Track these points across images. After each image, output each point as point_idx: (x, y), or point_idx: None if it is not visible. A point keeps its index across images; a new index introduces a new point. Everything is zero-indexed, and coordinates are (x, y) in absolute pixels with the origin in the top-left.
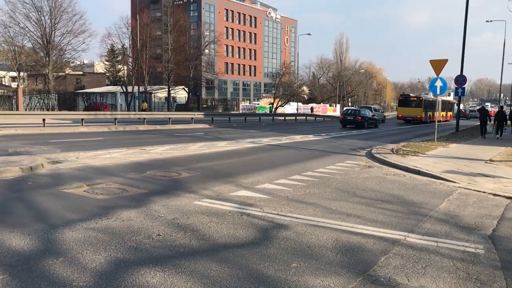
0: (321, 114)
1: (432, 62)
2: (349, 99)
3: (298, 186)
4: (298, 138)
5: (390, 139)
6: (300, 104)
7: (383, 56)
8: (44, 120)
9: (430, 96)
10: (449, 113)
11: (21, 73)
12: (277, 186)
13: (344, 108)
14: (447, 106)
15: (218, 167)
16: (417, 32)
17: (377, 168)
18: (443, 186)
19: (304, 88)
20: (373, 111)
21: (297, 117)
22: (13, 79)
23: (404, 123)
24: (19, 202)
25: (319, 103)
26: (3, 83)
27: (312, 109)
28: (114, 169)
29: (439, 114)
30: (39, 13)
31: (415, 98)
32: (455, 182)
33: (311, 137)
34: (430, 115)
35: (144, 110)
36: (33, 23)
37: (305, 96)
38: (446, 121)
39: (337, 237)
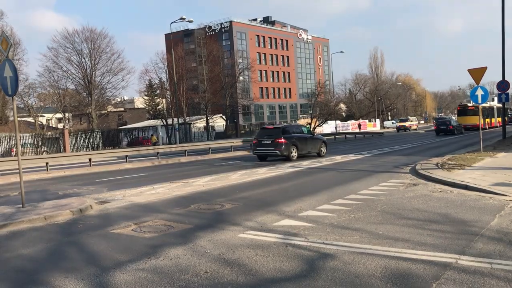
0: (360, 130)
1: (471, 71)
2: (389, 113)
3: (342, 211)
4: (338, 158)
5: (434, 153)
6: (338, 122)
7: (420, 66)
8: (90, 159)
9: (487, 104)
10: (506, 119)
11: (66, 114)
12: (320, 212)
13: (437, 119)
14: (500, 112)
15: (260, 196)
16: (453, 39)
17: (423, 186)
18: (493, 200)
19: (341, 105)
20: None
21: (336, 136)
22: (59, 120)
23: (443, 135)
24: (71, 246)
25: (358, 119)
26: (50, 125)
27: (359, 125)
28: (159, 205)
29: (490, 121)
30: (80, 56)
31: (473, 107)
32: (506, 196)
33: (351, 157)
34: (488, 121)
35: (155, 144)
36: (75, 66)
37: (343, 114)
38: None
39: (385, 265)
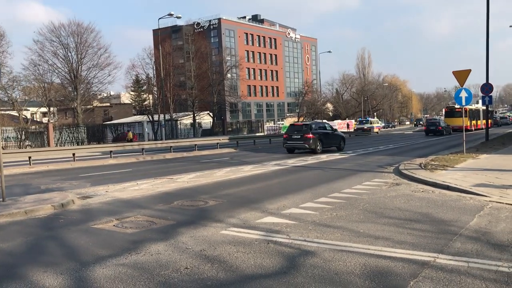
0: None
1: (455, 73)
2: (375, 113)
3: (325, 209)
4: (324, 157)
5: (419, 153)
6: (325, 121)
7: (406, 68)
8: (74, 154)
9: (473, 106)
10: (490, 121)
11: (51, 108)
12: (303, 210)
13: (427, 120)
14: (485, 114)
15: (244, 193)
16: (440, 42)
17: (405, 185)
18: (473, 201)
19: (328, 105)
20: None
21: None
22: (44, 114)
23: (432, 135)
24: (51, 241)
25: (344, 119)
26: (35, 119)
27: (348, 125)
28: (142, 201)
29: (476, 123)
30: (66, 49)
31: (460, 109)
32: (486, 196)
33: (337, 156)
34: (474, 123)
35: (131, 140)
36: (61, 59)
37: (330, 113)
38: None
39: (365, 262)
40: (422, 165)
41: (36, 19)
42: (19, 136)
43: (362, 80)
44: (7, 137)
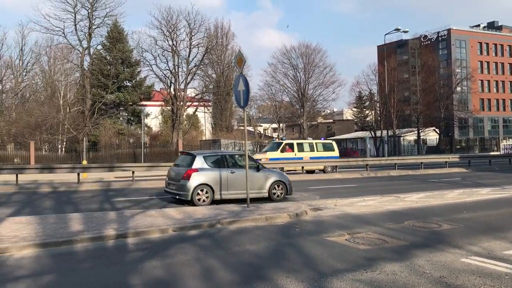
0: None
1: None
2: None
3: None
4: None
5: None
6: None
7: None
8: (302, 167)
9: None
10: None
11: (281, 125)
12: None
13: None
14: None
15: (484, 219)
16: None
17: None
18: None
19: None
20: None
21: None
22: (274, 130)
23: None
24: (290, 248)
25: None
26: (267, 134)
27: None
28: (371, 218)
29: None
30: (295, 70)
31: None
32: None
33: None
34: None
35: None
36: (290, 79)
37: None
38: None
39: None
40: None
41: (271, 44)
42: (254, 149)
43: None
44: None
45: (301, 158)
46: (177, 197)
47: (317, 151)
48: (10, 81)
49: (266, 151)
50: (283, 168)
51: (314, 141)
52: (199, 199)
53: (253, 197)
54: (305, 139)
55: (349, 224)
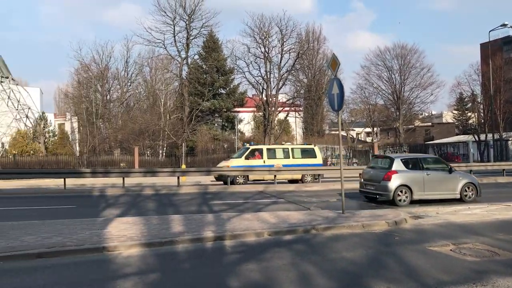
0: None
1: None
2: None
3: None
4: None
5: None
6: None
7: None
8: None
9: None
10: None
11: (375, 129)
12: None
13: None
14: None
15: None
16: None
17: None
18: None
19: None
20: None
21: None
22: (368, 134)
23: None
24: (389, 257)
25: None
26: (360, 138)
27: None
28: (477, 227)
29: None
30: (390, 72)
31: None
32: None
33: None
34: None
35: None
36: (385, 82)
37: None
38: None
39: None
40: None
41: (364, 46)
42: (347, 154)
43: None
44: (338, 154)
45: (272, 166)
46: (377, 197)
47: (293, 157)
48: (116, 91)
49: (236, 157)
50: (247, 176)
51: (290, 147)
52: (399, 200)
53: (446, 198)
54: (398, 146)
55: (453, 234)
